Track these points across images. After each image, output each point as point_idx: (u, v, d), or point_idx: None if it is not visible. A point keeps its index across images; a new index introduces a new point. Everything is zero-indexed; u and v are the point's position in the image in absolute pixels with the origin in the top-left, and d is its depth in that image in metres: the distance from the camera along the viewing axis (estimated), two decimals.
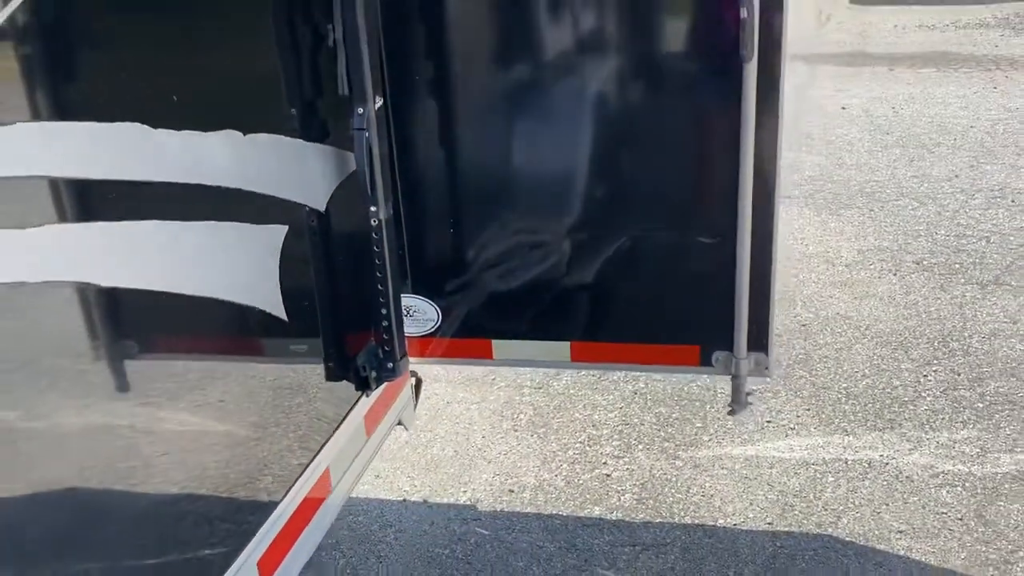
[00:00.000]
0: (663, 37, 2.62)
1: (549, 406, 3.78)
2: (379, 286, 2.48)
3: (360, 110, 2.29)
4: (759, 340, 2.76)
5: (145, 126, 1.63)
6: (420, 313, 2.97)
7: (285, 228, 2.09)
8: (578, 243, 2.82)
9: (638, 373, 3.61)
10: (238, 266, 1.93)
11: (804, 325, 4.40)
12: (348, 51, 2.25)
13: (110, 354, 1.64)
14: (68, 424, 1.53)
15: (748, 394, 2.85)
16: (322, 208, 2.29)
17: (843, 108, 8.48)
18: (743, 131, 2.51)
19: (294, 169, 2.16)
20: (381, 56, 2.65)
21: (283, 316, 2.09)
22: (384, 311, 2.51)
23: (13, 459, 1.41)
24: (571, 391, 3.86)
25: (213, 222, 1.84)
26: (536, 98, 2.73)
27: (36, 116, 1.46)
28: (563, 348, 2.91)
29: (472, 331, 2.96)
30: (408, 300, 2.96)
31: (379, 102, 2.33)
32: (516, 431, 3.64)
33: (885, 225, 5.61)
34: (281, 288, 2.07)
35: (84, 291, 1.53)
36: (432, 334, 2.98)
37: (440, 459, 3.49)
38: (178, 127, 1.72)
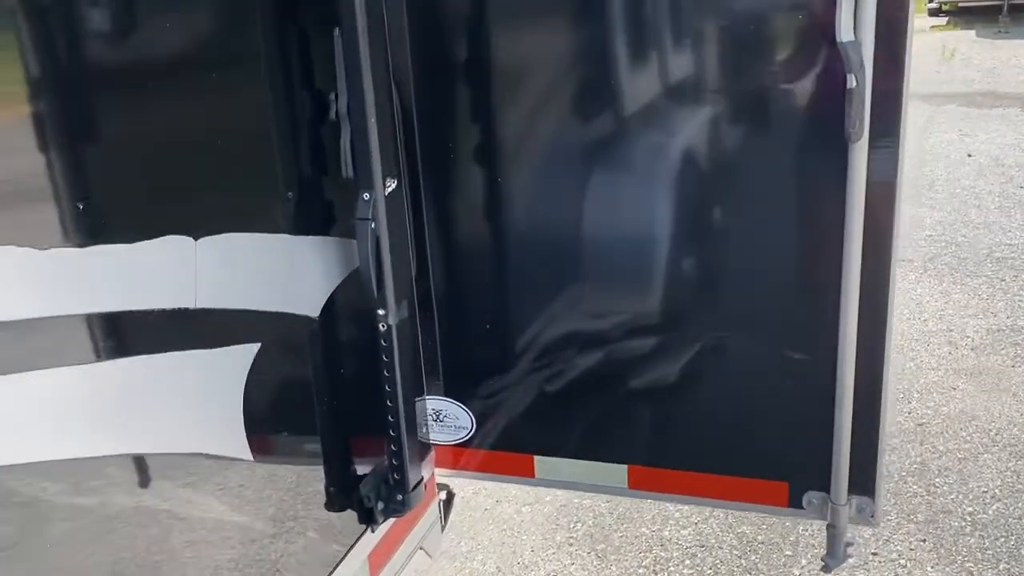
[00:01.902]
0: (752, 108, 2.12)
1: (612, 515, 3.28)
2: (388, 402, 2.05)
3: (366, 196, 1.87)
4: (863, 481, 2.20)
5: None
6: (452, 419, 2.53)
7: (255, 347, 1.68)
8: (641, 347, 2.33)
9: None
10: (183, 407, 1.53)
11: (920, 424, 3.76)
12: (353, 126, 1.85)
13: None
14: None
15: (848, 545, 2.29)
16: (315, 315, 1.88)
17: (969, 155, 7.68)
18: (848, 230, 1.99)
19: (273, 273, 1.76)
20: (398, 129, 2.25)
21: (248, 456, 1.68)
22: (393, 432, 2.08)
23: None
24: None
25: (146, 356, 1.45)
26: (593, 176, 2.28)
27: None
28: (619, 472, 2.41)
29: (511, 444, 2.50)
30: (439, 403, 2.52)
31: (391, 186, 1.91)
32: (571, 545, 3.14)
33: (1020, 299, 4.88)
34: (247, 423, 1.67)
35: None
36: (465, 443, 2.54)
37: (480, 575, 3.03)
38: (90, 239, 1.33)
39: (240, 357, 1.64)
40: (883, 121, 1.92)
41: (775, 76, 2.04)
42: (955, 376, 4.14)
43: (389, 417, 2.06)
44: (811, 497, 2.24)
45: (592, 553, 3.09)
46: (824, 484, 2.21)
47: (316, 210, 1.89)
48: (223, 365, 1.61)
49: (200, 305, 1.53)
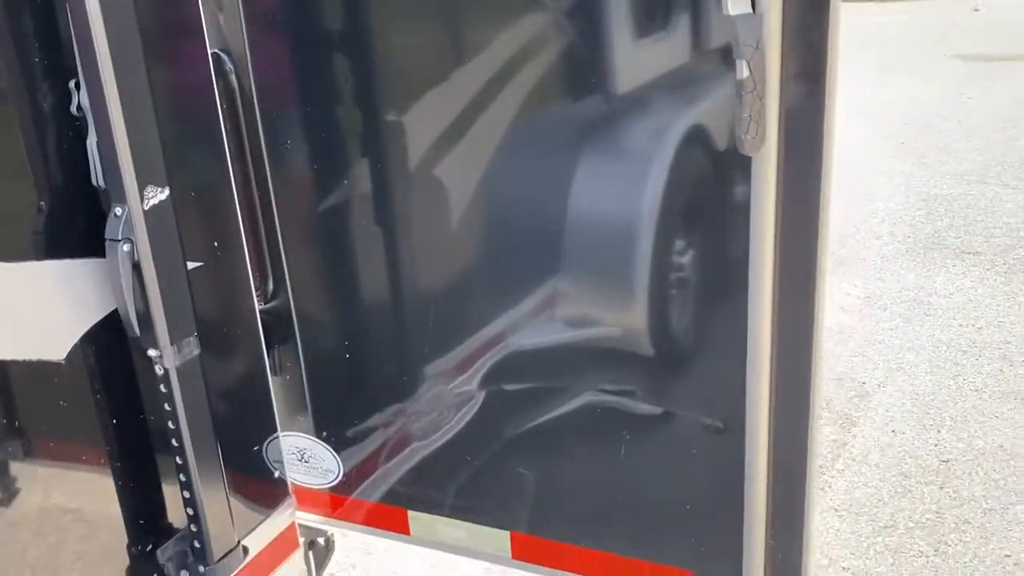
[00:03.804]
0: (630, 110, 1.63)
1: None
2: (177, 458, 1.68)
3: (118, 211, 1.49)
4: None
5: None
6: (317, 461, 2.15)
7: None
8: (523, 398, 1.89)
9: None
10: None
11: (945, 462, 3.18)
12: (97, 122, 1.46)
13: None
14: None
15: None
16: (61, 358, 1.52)
17: None
18: (752, 267, 1.49)
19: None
20: (239, 112, 1.85)
21: None
22: (187, 494, 1.71)
23: None
24: None
25: None
26: (464, 198, 1.83)
27: None
28: (501, 538, 1.99)
29: (383, 495, 2.10)
30: (303, 441, 2.15)
31: (155, 197, 1.52)
32: None
33: None
34: None
35: None
36: (333, 489, 2.16)
37: None
38: None
39: None
40: (798, 125, 1.41)
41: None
42: (1000, 401, 3.52)
43: (180, 476, 1.69)
44: None
45: None
46: None
47: (60, 228, 1.51)
48: None
49: None
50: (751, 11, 1.33)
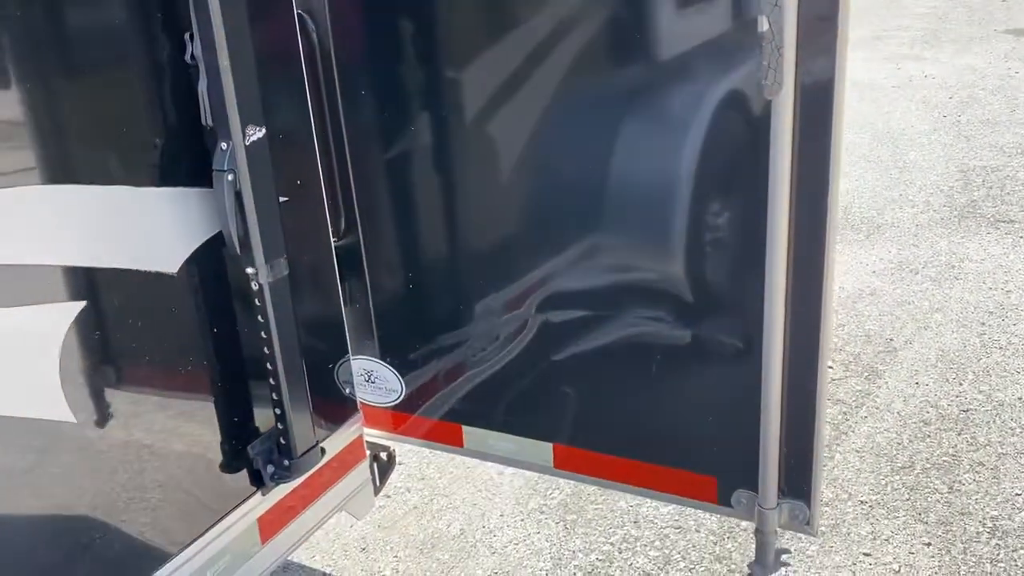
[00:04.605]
0: (654, 63, 1.84)
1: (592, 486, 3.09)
2: (268, 365, 1.94)
3: (223, 146, 1.75)
4: (797, 484, 1.95)
5: None
6: (383, 382, 2.41)
7: (78, 306, 1.60)
8: (567, 324, 2.12)
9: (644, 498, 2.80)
10: None
11: (966, 411, 3.36)
12: (208, 69, 1.71)
13: None
14: None
15: (783, 552, 2.04)
16: (173, 271, 1.78)
17: None
18: (771, 201, 1.70)
19: (116, 227, 1.66)
20: (318, 69, 2.10)
21: (70, 418, 1.61)
22: (276, 396, 1.97)
23: None
24: None
25: None
26: (540, 139, 2.05)
27: None
28: (545, 450, 2.24)
29: (441, 412, 2.36)
30: (370, 364, 2.41)
31: (254, 134, 1.77)
32: (542, 513, 2.99)
33: None
34: (69, 384, 1.60)
35: None
36: (396, 407, 2.42)
37: (442, 537, 2.93)
38: None
39: (54, 316, 1.56)
40: (813, 69, 1.61)
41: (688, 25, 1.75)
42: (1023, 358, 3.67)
43: (271, 380, 1.96)
44: (740, 496, 2.01)
45: (561, 523, 2.93)
46: (753, 484, 1.97)
47: (175, 160, 1.77)
48: (30, 324, 1.53)
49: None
50: None
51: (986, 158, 5.93)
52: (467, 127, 2.14)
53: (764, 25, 1.54)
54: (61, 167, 1.58)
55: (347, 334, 2.32)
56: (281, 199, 1.92)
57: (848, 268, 4.56)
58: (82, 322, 1.61)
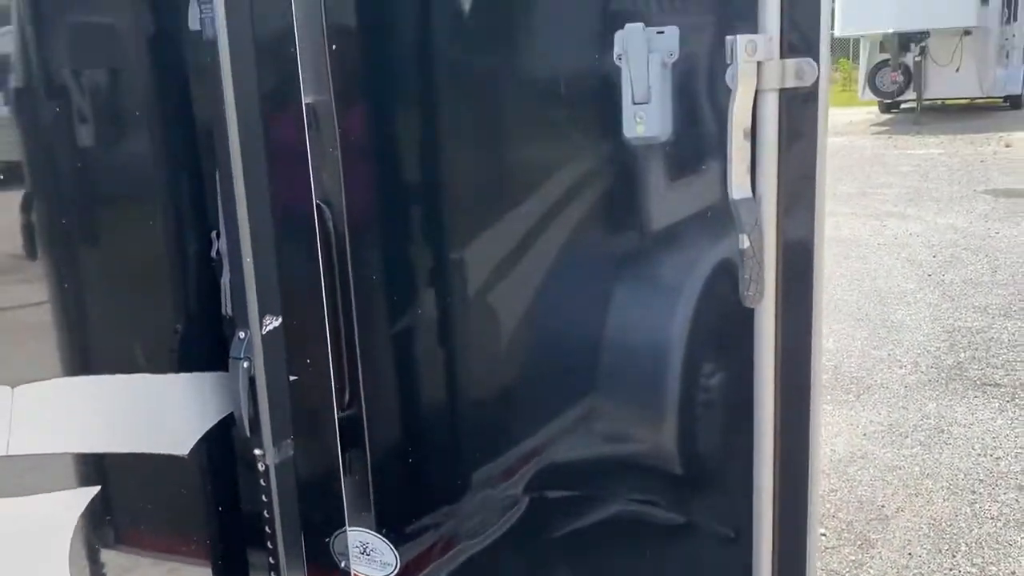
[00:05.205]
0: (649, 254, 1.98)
1: None
2: (268, 544, 1.99)
3: (241, 335, 1.86)
4: None
5: None
6: (378, 554, 2.43)
7: (91, 491, 1.67)
8: (558, 501, 2.17)
9: None
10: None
11: None
12: (231, 265, 1.84)
13: None
14: None
15: None
16: (184, 453, 1.86)
17: None
18: (757, 365, 1.79)
19: (130, 413, 1.75)
20: (332, 248, 2.24)
21: None
22: (274, 571, 2.01)
23: None
24: None
25: None
26: (513, 324, 2.17)
27: None
28: None
29: None
30: (366, 536, 2.44)
31: (271, 324, 1.88)
32: None
33: None
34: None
35: None
36: None
37: None
38: None
39: (68, 502, 1.63)
40: (794, 275, 1.74)
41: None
42: (1016, 530, 3.69)
43: (270, 558, 2.00)
44: None
45: None
46: None
47: (193, 347, 1.88)
48: (44, 512, 1.60)
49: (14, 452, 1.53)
50: (751, 196, 1.68)
51: (970, 319, 6.09)
52: (467, 304, 2.26)
53: (745, 243, 1.67)
54: (84, 359, 1.69)
55: (345, 506, 2.37)
56: (291, 378, 2.02)
57: (839, 430, 4.62)
58: (94, 507, 1.68)
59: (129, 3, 1.74)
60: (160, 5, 1.80)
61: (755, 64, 1.60)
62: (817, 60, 1.62)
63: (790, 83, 1.64)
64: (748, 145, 1.66)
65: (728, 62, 1.60)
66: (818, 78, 1.63)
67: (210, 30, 1.69)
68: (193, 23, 1.73)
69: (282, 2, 1.91)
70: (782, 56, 1.62)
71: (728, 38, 1.57)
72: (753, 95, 1.63)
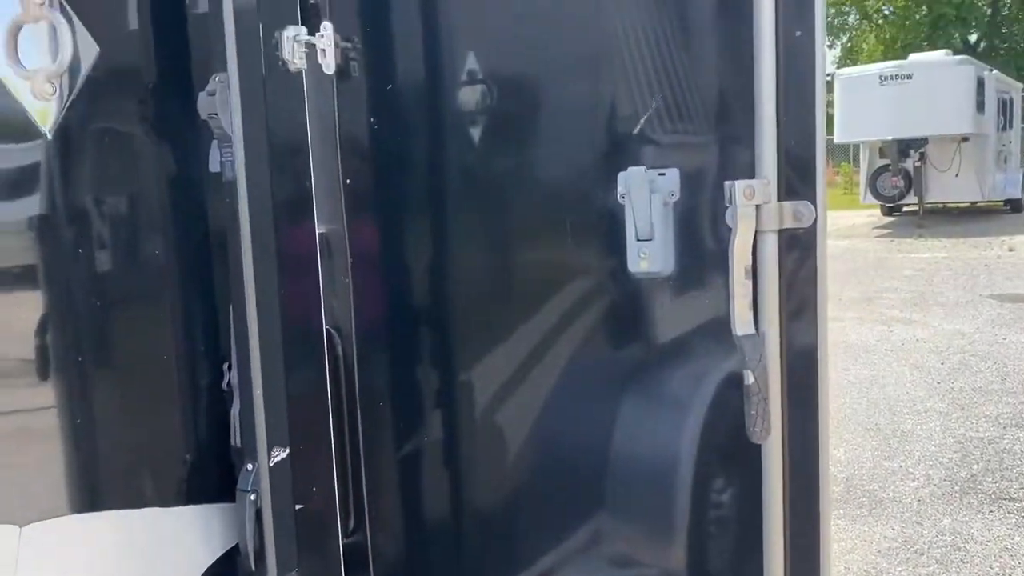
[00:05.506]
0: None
1: None
2: None
3: (249, 467, 1.86)
4: None
5: None
6: None
7: None
8: None
9: None
10: None
11: None
12: (241, 397, 1.87)
13: None
14: None
15: None
16: None
17: None
18: (766, 481, 1.77)
19: (133, 550, 1.74)
20: (340, 375, 2.26)
21: None
22: None
23: None
24: None
25: None
26: (519, 442, 2.18)
27: None
28: None
29: None
30: None
31: (279, 455, 1.89)
32: None
33: None
34: None
35: None
36: None
37: None
38: None
39: None
40: (799, 407, 1.75)
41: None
42: None
43: None
44: None
45: None
46: None
47: (201, 478, 1.88)
48: None
49: None
50: (755, 332, 1.71)
51: (982, 429, 6.04)
52: (473, 430, 2.27)
53: (750, 379, 1.70)
54: (93, 495, 1.69)
55: None
56: (296, 506, 2.02)
57: (853, 546, 4.53)
58: None
59: (154, 147, 1.81)
60: (181, 146, 1.88)
61: (754, 207, 1.65)
62: (814, 202, 1.67)
63: (788, 224, 1.69)
64: (750, 283, 1.70)
65: (727, 204, 1.66)
66: (816, 219, 1.68)
67: (230, 172, 1.76)
68: (214, 165, 1.81)
69: (299, 140, 1.99)
70: (780, 199, 1.68)
71: (727, 183, 1.63)
72: (753, 235, 1.68)
